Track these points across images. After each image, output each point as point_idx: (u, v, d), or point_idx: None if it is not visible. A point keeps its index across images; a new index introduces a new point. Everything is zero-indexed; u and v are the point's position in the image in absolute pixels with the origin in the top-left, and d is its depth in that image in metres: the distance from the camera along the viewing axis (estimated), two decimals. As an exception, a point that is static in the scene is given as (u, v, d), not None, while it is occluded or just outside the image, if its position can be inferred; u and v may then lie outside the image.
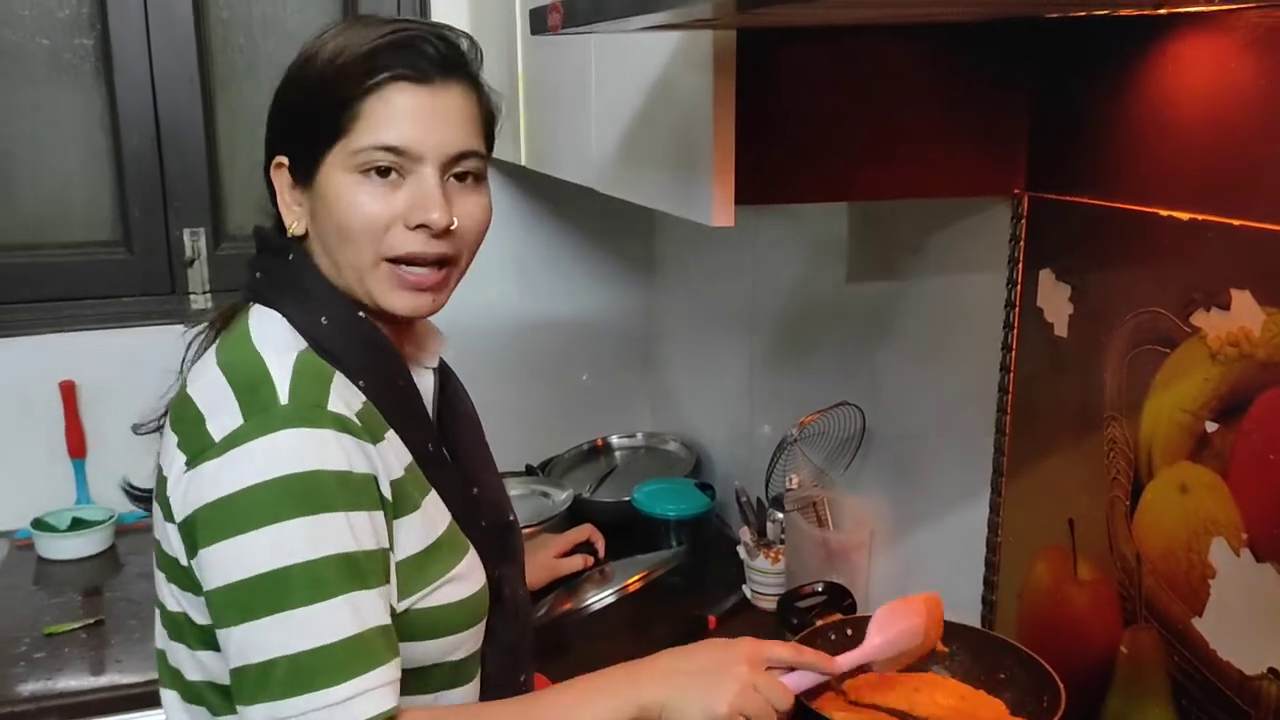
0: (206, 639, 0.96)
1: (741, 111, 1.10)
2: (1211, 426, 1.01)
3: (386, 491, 0.96)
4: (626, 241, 2.38)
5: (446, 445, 1.12)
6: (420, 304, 1.01)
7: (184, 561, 0.95)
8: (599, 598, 1.51)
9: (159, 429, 1.10)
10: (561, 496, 1.96)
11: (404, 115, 0.97)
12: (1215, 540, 1.01)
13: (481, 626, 1.07)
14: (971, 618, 1.36)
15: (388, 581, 0.95)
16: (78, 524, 2.02)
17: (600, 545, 1.59)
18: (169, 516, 0.95)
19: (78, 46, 2.06)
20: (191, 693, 1.01)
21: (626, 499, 1.95)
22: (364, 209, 0.97)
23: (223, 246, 2.18)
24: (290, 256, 1.03)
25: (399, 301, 1.01)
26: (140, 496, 1.15)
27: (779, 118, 1.14)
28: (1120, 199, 1.11)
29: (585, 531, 1.59)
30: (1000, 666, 1.25)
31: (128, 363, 2.03)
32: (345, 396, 0.96)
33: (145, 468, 1.10)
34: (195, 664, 0.99)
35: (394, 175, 0.98)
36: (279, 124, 1.03)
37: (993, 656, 1.26)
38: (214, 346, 1.01)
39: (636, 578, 1.55)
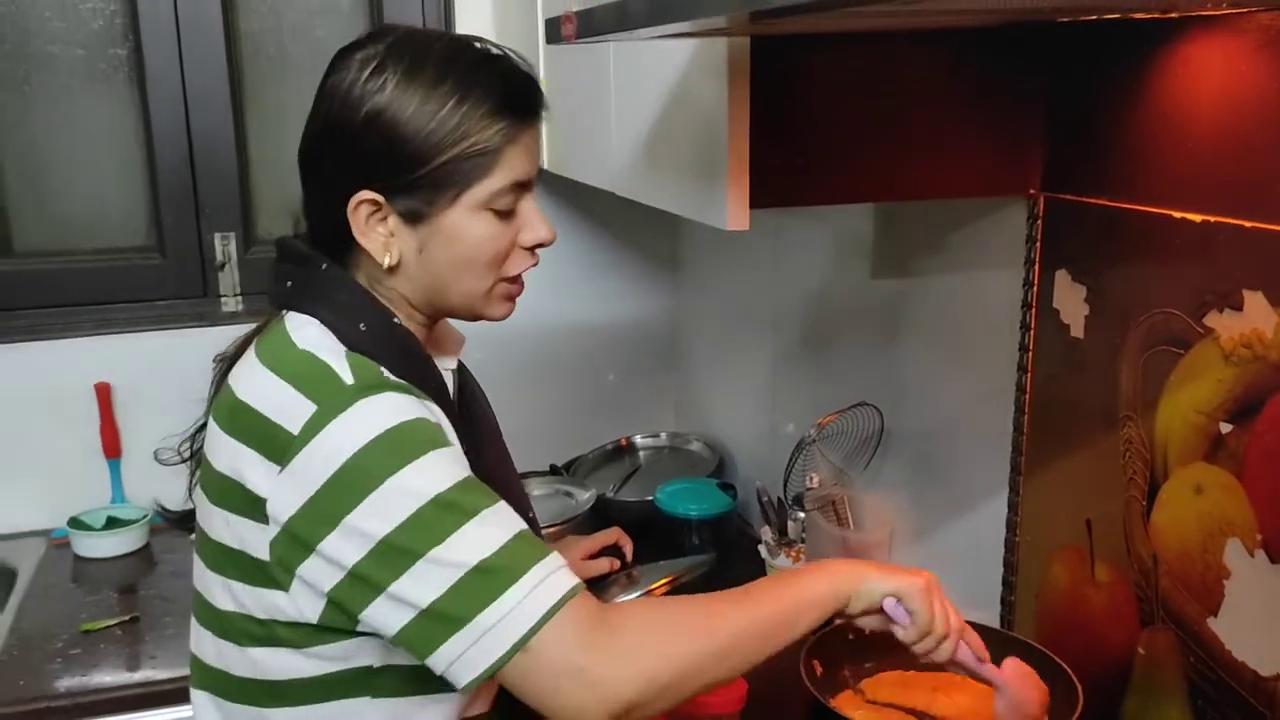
0: (262, 636, 0.98)
1: (756, 116, 1.11)
2: (1226, 428, 1.01)
3: (455, 443, 0.99)
4: (650, 242, 2.40)
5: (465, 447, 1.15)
6: (510, 310, 1.09)
7: (258, 555, 0.96)
8: (625, 601, 1.51)
9: (184, 461, 1.14)
10: (584, 496, 1.98)
11: (531, 154, 1.02)
12: (1230, 541, 1.02)
13: None
14: (990, 617, 1.36)
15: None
16: (113, 523, 2.06)
17: (628, 549, 1.59)
18: (244, 515, 0.96)
19: (111, 56, 2.10)
20: (237, 691, 1.03)
21: (649, 499, 1.97)
22: (495, 244, 1.02)
23: (252, 250, 2.21)
24: (324, 266, 1.04)
25: (499, 310, 1.08)
26: (176, 519, 1.17)
27: (793, 122, 1.15)
28: (1133, 200, 1.11)
29: (613, 535, 1.59)
30: (1018, 666, 1.26)
31: (161, 364, 2.08)
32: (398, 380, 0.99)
33: (177, 477, 1.13)
34: (246, 662, 1.01)
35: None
36: (376, 162, 0.99)
37: (1009, 656, 1.27)
38: (252, 352, 1.03)
39: (662, 582, 1.55)
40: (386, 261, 1.01)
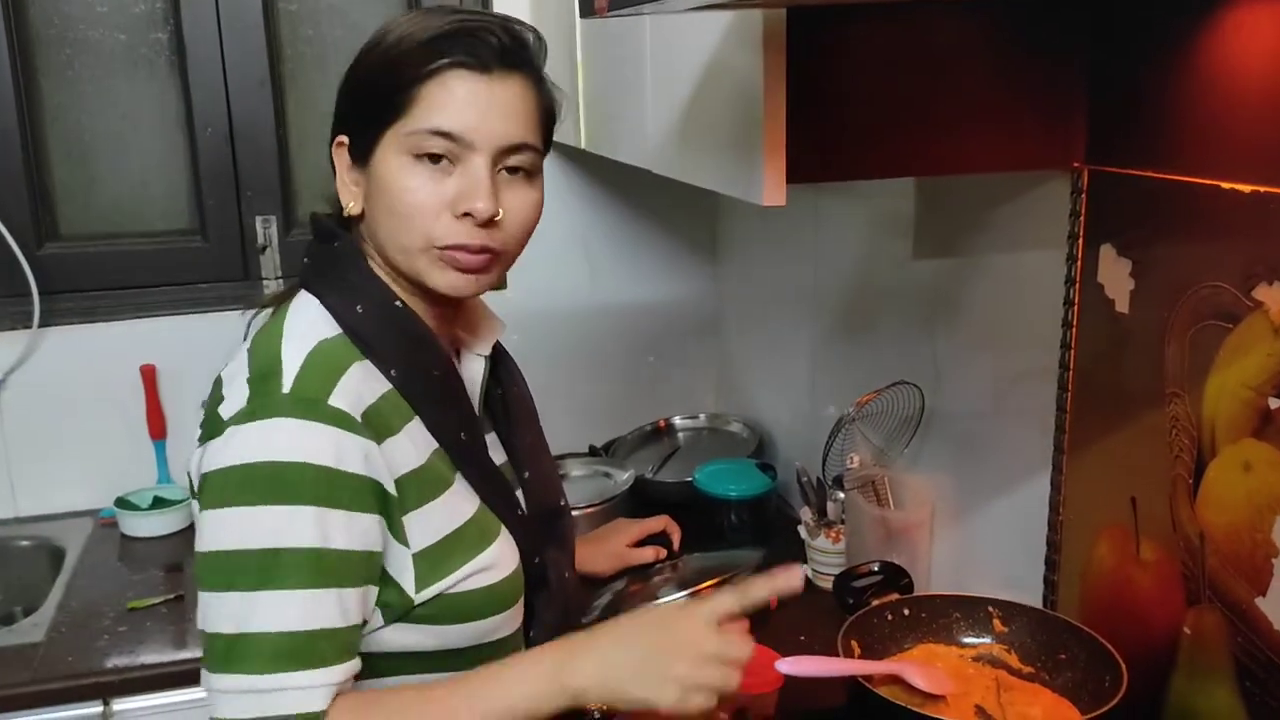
0: None
1: (792, 90, 1.10)
2: (1275, 403, 0.99)
3: (391, 488, 0.96)
4: (690, 222, 2.38)
5: (497, 431, 1.14)
6: (461, 284, 1.02)
7: None
8: (671, 598, 1.36)
9: None
10: (623, 477, 1.98)
11: (460, 102, 0.97)
12: (1279, 519, 0.99)
13: (516, 610, 1.08)
14: (1033, 598, 1.34)
15: (364, 584, 0.95)
16: (159, 503, 2.10)
17: (675, 537, 1.57)
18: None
19: (153, 41, 2.12)
20: None
21: (688, 479, 1.96)
22: (415, 194, 0.98)
23: (293, 233, 2.23)
24: (337, 243, 1.05)
25: (442, 280, 1.01)
26: None
27: (830, 95, 1.14)
28: (1181, 171, 1.08)
29: (661, 522, 1.56)
30: (1061, 647, 1.24)
31: (204, 346, 2.06)
32: (359, 389, 0.97)
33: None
34: None
35: (445, 162, 0.98)
36: (343, 104, 1.04)
37: (1053, 637, 1.26)
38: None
39: (712, 582, 1.48)
40: (349, 207, 1.04)
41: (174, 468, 2.17)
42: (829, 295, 1.92)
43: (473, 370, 1.12)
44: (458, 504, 1.03)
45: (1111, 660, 1.16)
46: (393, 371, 1.00)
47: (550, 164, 2.42)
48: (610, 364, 2.40)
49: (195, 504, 0.99)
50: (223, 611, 0.92)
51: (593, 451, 2.23)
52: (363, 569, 0.95)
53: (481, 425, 1.10)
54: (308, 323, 1.01)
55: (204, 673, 0.94)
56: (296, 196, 2.24)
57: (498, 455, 1.13)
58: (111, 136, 2.14)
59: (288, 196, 2.22)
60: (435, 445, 1.02)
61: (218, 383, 1.01)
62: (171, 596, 1.81)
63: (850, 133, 1.16)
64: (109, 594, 1.83)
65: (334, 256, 1.04)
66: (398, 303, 1.03)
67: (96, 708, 1.60)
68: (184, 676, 1.62)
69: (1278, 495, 0.99)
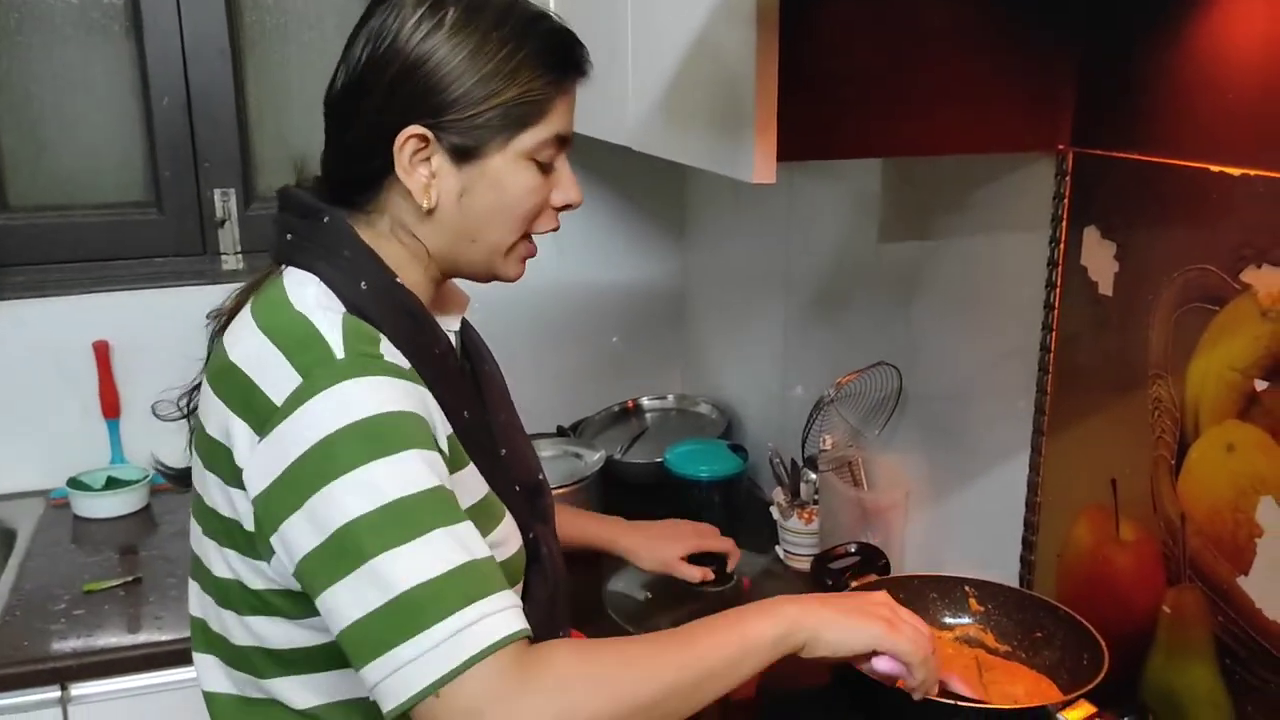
0: (258, 605, 0.96)
1: (782, 66, 1.09)
2: (1261, 385, 1.00)
3: (443, 444, 0.96)
4: (658, 201, 2.37)
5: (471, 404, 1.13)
6: (523, 271, 1.09)
7: (247, 526, 0.94)
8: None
9: (184, 416, 1.10)
10: (594, 458, 1.96)
11: (572, 111, 1.06)
12: (1263, 499, 1.01)
13: (519, 588, 1.07)
14: (1009, 577, 1.36)
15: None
16: (112, 483, 2.04)
17: (733, 561, 1.52)
18: (234, 484, 0.94)
19: (107, 6, 2.06)
20: (235, 658, 1.01)
21: (658, 460, 1.96)
22: (535, 196, 1.03)
23: (253, 207, 2.18)
24: (325, 219, 1.01)
25: (515, 271, 1.08)
26: (175, 475, 1.14)
27: (820, 72, 1.13)
28: (1169, 154, 1.09)
29: (723, 544, 1.51)
30: (1038, 626, 1.25)
31: (161, 323, 2.04)
32: (395, 355, 0.96)
33: (176, 436, 1.09)
34: (244, 630, 0.99)
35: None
36: (425, 98, 0.98)
37: (1030, 616, 1.26)
38: (247, 310, 1.00)
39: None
40: (426, 203, 1.00)
41: (128, 447, 2.12)
42: (801, 276, 1.92)
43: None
44: (473, 480, 1.02)
45: (1090, 639, 1.17)
46: (400, 348, 0.98)
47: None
48: (577, 343, 2.38)
49: (233, 493, 0.93)
50: (373, 584, 0.84)
51: (561, 432, 2.22)
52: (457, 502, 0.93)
53: (478, 404, 1.09)
54: (315, 297, 0.97)
55: (373, 665, 0.84)
56: (257, 169, 2.18)
57: None
58: (63, 105, 2.08)
59: (248, 169, 2.17)
60: (449, 425, 1.00)
61: (232, 371, 0.94)
62: (129, 579, 1.76)
63: (840, 111, 1.15)
64: (63, 576, 1.78)
65: (325, 232, 1.01)
66: (399, 280, 1.01)
67: (54, 692, 1.56)
68: (142, 661, 1.59)
69: (1261, 476, 1.01)
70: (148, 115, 2.10)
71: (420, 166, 0.99)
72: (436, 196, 1.00)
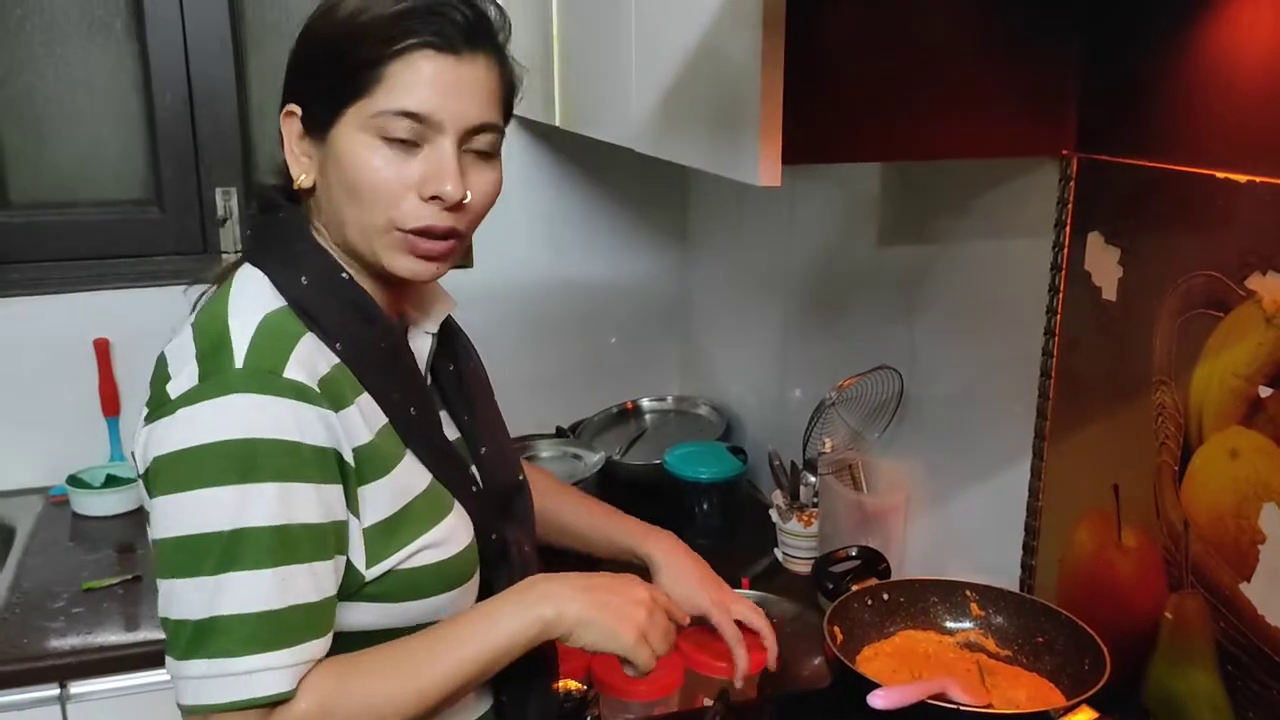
0: None
1: (787, 70, 1.09)
2: (1265, 391, 1.00)
3: (349, 458, 0.95)
4: (659, 203, 2.37)
5: (449, 408, 1.12)
6: (421, 270, 1.00)
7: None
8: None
9: None
10: (593, 459, 1.97)
11: (427, 83, 0.95)
12: (1266, 506, 1.01)
13: (470, 588, 1.06)
14: (1009, 582, 1.35)
15: (334, 555, 0.94)
16: (111, 481, 2.04)
17: (770, 657, 1.24)
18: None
19: (109, 3, 2.05)
20: None
21: (657, 462, 1.95)
22: (379, 174, 0.96)
23: (254, 205, 2.17)
24: (281, 214, 1.02)
25: (402, 264, 1.00)
26: None
27: (825, 76, 1.13)
28: (1175, 160, 1.09)
29: (768, 635, 1.24)
30: (1039, 631, 1.25)
31: (160, 321, 2.00)
32: (310, 360, 0.95)
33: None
34: None
35: (410, 143, 0.96)
36: (296, 71, 1.01)
37: (1031, 621, 1.26)
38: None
39: None
40: (300, 180, 1.00)
41: (127, 445, 2.11)
42: (802, 278, 1.92)
43: (420, 347, 1.10)
44: (407, 479, 1.01)
45: (1092, 644, 1.17)
46: (338, 345, 0.98)
47: (519, 142, 2.41)
48: (576, 344, 2.38)
49: (143, 488, 0.96)
50: (189, 597, 0.89)
51: (559, 433, 2.21)
52: (333, 540, 0.94)
53: (433, 401, 1.08)
54: (253, 295, 0.97)
55: (170, 660, 0.92)
56: (258, 167, 2.18)
57: (450, 432, 1.11)
58: (65, 101, 2.07)
59: (249, 167, 2.17)
60: (384, 420, 1.00)
61: (161, 360, 0.97)
62: (129, 577, 1.76)
63: (845, 115, 1.15)
64: (62, 574, 1.78)
65: (277, 227, 1.02)
66: (343, 274, 1.00)
67: (53, 690, 1.56)
68: (141, 659, 1.59)
69: (1265, 483, 1.01)
70: (149, 113, 2.10)
71: (295, 144, 1.00)
72: (311, 176, 1.00)
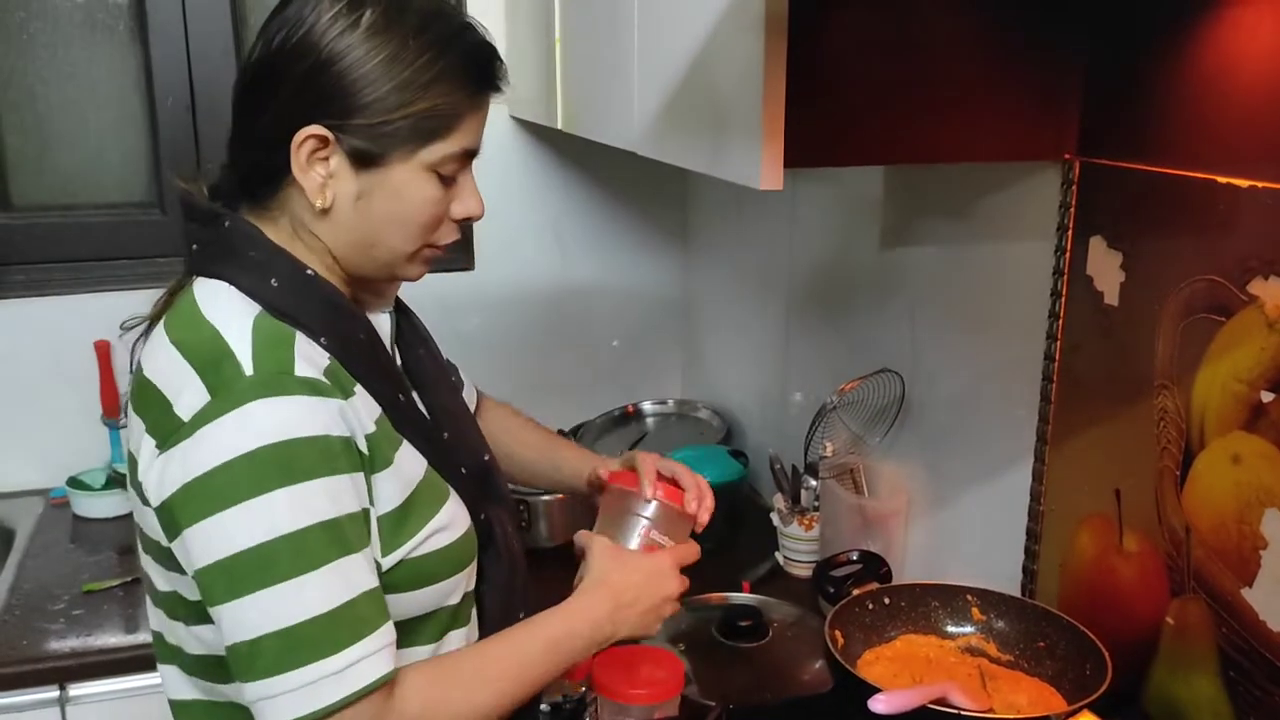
0: (201, 614, 0.95)
1: (790, 73, 1.09)
2: (1267, 396, 1.00)
3: (363, 446, 0.95)
4: (660, 206, 2.37)
5: (417, 391, 1.12)
6: (425, 272, 1.07)
7: (164, 543, 0.94)
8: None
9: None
10: (594, 462, 1.96)
11: (483, 126, 1.02)
12: (1268, 511, 1.01)
13: (471, 569, 1.07)
14: (1011, 587, 1.35)
15: (370, 542, 0.95)
16: (112, 483, 2.04)
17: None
18: (146, 501, 0.94)
19: (112, 7, 2.05)
20: (194, 667, 1.01)
21: (659, 465, 1.95)
22: (436, 207, 1.00)
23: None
24: (226, 223, 0.99)
25: (416, 273, 1.06)
26: None
27: (827, 80, 1.13)
28: (1177, 165, 1.09)
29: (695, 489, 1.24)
30: (1040, 635, 1.25)
31: None
32: (310, 356, 0.95)
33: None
34: (195, 640, 0.99)
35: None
36: (331, 95, 0.95)
37: (1032, 625, 1.26)
38: (161, 325, 0.98)
39: None
40: (320, 203, 0.97)
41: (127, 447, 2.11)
42: (803, 281, 1.92)
43: (382, 329, 1.09)
44: (408, 467, 1.01)
45: (1093, 648, 1.17)
46: (323, 339, 0.97)
47: (520, 144, 2.41)
48: (577, 347, 2.38)
49: (147, 511, 0.94)
50: (261, 612, 0.88)
51: (561, 435, 2.21)
52: (368, 525, 0.95)
53: (409, 386, 1.08)
54: (225, 304, 0.96)
55: (251, 685, 0.89)
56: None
57: None
58: (67, 104, 2.07)
59: (251, 170, 2.16)
60: (379, 411, 1.00)
61: (147, 386, 0.94)
62: (129, 579, 1.76)
63: (845, 118, 1.15)
64: (62, 576, 1.78)
65: (228, 235, 0.99)
66: (309, 271, 0.99)
67: (53, 692, 1.55)
68: (141, 662, 1.58)
69: (1267, 488, 1.00)
70: (151, 115, 2.10)
71: (317, 165, 0.97)
72: (332, 197, 0.98)
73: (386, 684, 0.92)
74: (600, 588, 1.09)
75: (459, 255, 2.22)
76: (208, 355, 0.92)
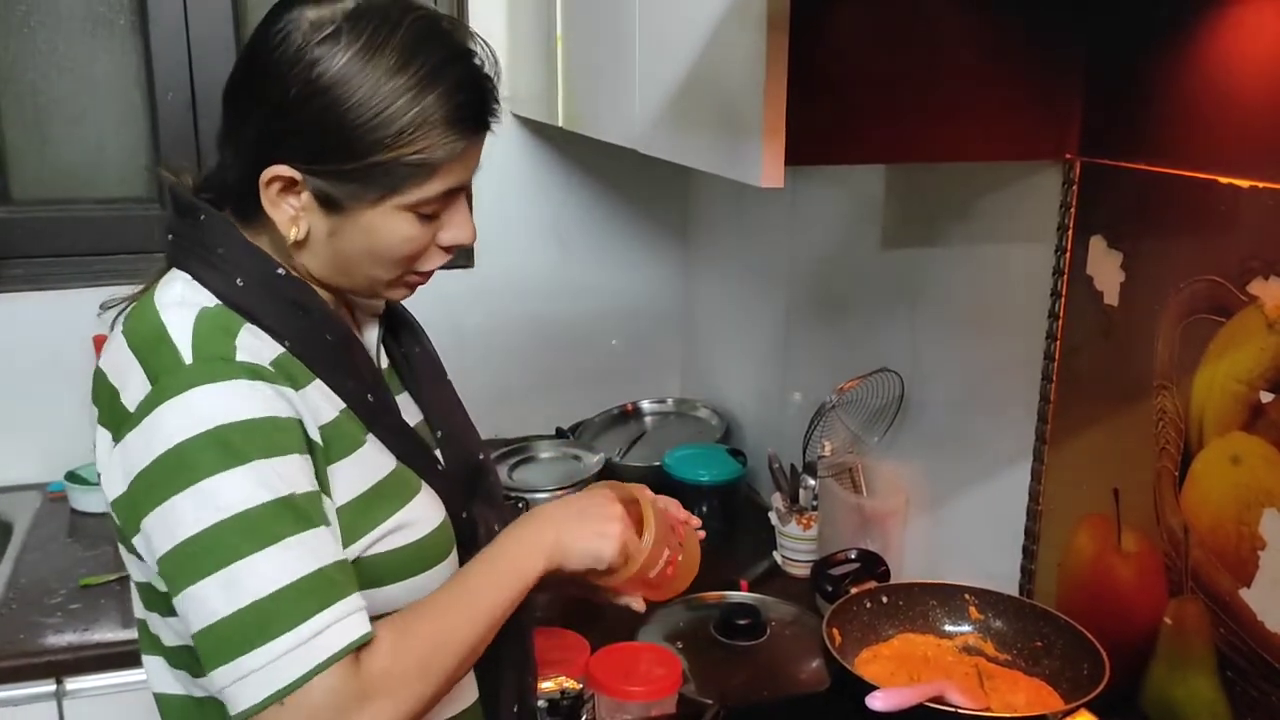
0: (171, 606, 0.94)
1: (791, 71, 1.09)
2: (1266, 397, 1.00)
3: (315, 435, 0.94)
4: (661, 205, 2.37)
5: (409, 391, 1.12)
6: (409, 294, 1.06)
7: (129, 535, 0.94)
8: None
9: None
10: (593, 460, 1.96)
11: (472, 163, 0.98)
12: (1267, 512, 1.01)
13: (444, 567, 1.05)
14: (1009, 586, 1.35)
15: (329, 523, 0.93)
16: (111, 478, 2.04)
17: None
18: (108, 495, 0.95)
19: (113, 1, 2.05)
20: (173, 658, 1.01)
21: (657, 464, 1.95)
22: (411, 245, 0.98)
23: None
24: (202, 217, 0.98)
25: (398, 296, 1.05)
26: None
27: (828, 78, 1.13)
28: (1178, 165, 1.09)
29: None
30: (1038, 635, 1.25)
31: None
32: (254, 346, 0.94)
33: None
34: (170, 630, 0.99)
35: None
36: (299, 135, 0.92)
37: (1030, 625, 1.26)
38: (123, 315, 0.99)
39: None
40: (293, 235, 0.96)
41: (127, 442, 2.11)
42: (803, 280, 1.92)
43: (369, 333, 1.09)
44: (373, 460, 1.00)
45: (1091, 648, 1.17)
46: (286, 342, 0.96)
47: (520, 142, 2.41)
48: (577, 346, 2.38)
49: (120, 518, 0.94)
50: (219, 594, 0.86)
51: (560, 434, 2.21)
52: (323, 507, 0.93)
53: (388, 385, 1.07)
54: (178, 295, 0.95)
55: (224, 668, 0.86)
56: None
57: (413, 414, 1.11)
58: (67, 98, 2.07)
59: (251, 166, 2.16)
60: (342, 405, 0.99)
61: (100, 375, 0.95)
62: (126, 574, 1.73)
63: (848, 116, 1.15)
64: (60, 570, 1.78)
65: (201, 230, 0.98)
66: (279, 271, 0.98)
67: (49, 686, 1.55)
68: (139, 655, 1.57)
69: (1266, 488, 1.01)
70: (152, 110, 2.10)
71: (289, 198, 0.95)
72: (304, 230, 0.96)
73: (364, 645, 0.89)
74: (538, 509, 1.08)
75: (459, 254, 2.22)
76: (149, 344, 0.92)
